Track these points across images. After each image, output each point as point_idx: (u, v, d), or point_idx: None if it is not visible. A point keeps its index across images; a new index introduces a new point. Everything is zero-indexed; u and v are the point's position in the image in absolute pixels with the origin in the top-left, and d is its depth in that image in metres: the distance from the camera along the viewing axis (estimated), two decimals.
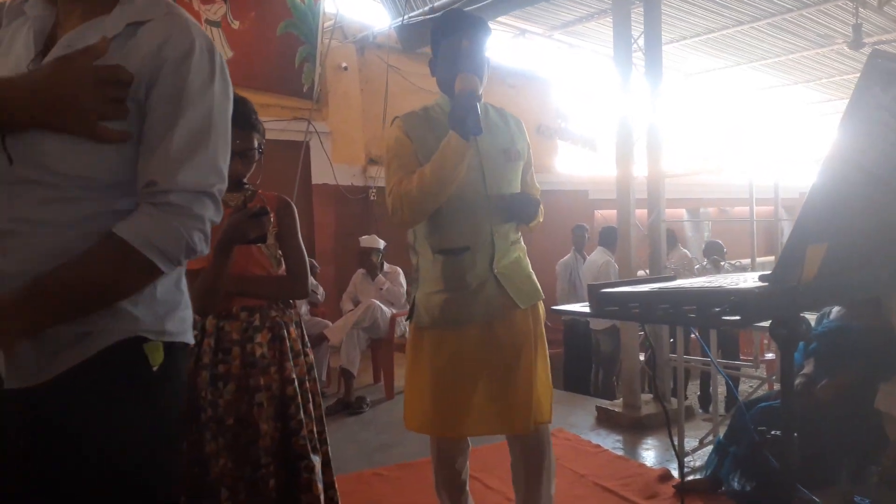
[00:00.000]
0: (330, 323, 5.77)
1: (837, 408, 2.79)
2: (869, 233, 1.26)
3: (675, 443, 3.64)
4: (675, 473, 3.55)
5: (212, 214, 1.14)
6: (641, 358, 4.89)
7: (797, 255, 1.08)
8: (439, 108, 2.18)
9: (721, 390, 5.27)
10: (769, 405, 2.96)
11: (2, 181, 1.05)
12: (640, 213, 4.82)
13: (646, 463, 3.89)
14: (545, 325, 2.31)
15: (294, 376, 2.12)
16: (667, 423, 2.89)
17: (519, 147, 2.24)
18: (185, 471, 1.96)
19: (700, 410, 5.80)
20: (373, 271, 5.98)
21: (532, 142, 2.35)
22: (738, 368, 4.80)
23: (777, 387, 4.00)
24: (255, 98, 2.20)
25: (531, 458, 2.30)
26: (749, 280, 1.22)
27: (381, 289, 5.86)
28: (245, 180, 2.19)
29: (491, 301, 2.14)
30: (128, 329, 1.11)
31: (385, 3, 7.62)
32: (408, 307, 5.92)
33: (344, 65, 8.02)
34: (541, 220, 2.27)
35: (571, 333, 7.32)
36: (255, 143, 2.16)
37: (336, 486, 2.23)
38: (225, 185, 1.17)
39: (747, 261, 4.94)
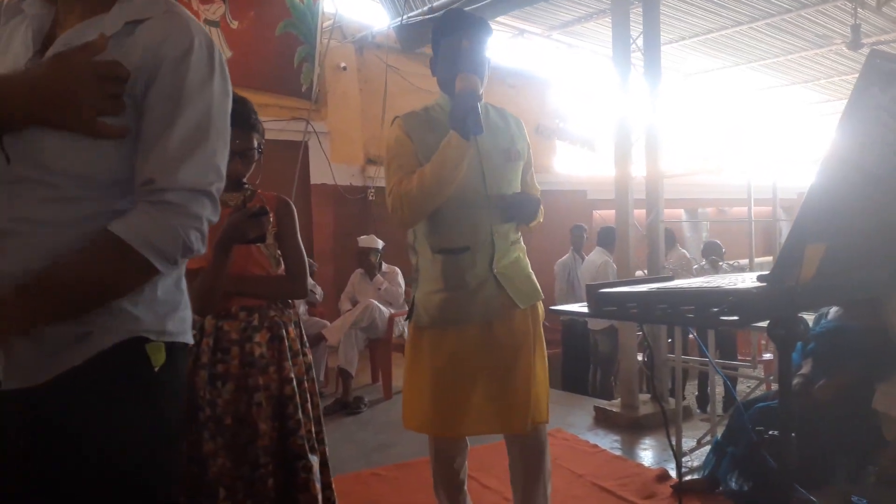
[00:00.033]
0: (328, 323, 5.77)
1: (835, 408, 2.79)
2: (867, 233, 1.27)
3: (673, 443, 3.64)
4: (673, 473, 3.55)
5: (209, 214, 1.13)
6: (639, 358, 4.89)
7: (795, 255, 1.08)
8: (440, 107, 2.18)
9: (719, 390, 5.27)
10: (767, 405, 2.96)
11: (1, 181, 1.05)
12: (639, 213, 4.82)
13: (643, 463, 3.89)
14: (543, 325, 2.31)
15: (293, 376, 2.12)
16: (665, 423, 2.89)
17: (519, 147, 2.24)
18: (183, 470, 1.96)
19: (698, 410, 5.82)
20: (371, 271, 5.98)
21: (531, 142, 2.35)
22: (735, 369, 4.81)
23: (775, 387, 4.00)
24: (253, 98, 2.20)
25: (529, 458, 2.30)
26: (747, 280, 1.22)
27: (380, 289, 5.85)
28: (244, 180, 2.19)
29: (490, 301, 2.14)
30: (129, 329, 1.11)
31: (384, 3, 7.62)
32: (406, 307, 5.93)
33: (343, 65, 8.02)
34: (541, 220, 2.27)
35: (569, 333, 7.32)
36: (255, 143, 2.16)
37: (333, 486, 2.23)
38: (223, 184, 1.16)
39: (745, 261, 4.95)
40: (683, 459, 3.83)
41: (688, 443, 4.03)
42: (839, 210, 1.13)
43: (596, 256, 6.95)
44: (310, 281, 3.78)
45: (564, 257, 7.50)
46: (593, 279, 6.47)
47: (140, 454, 1.11)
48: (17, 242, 1.04)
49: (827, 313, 3.12)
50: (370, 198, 8.08)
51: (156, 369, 1.13)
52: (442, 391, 2.14)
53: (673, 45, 8.72)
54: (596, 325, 6.78)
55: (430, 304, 2.15)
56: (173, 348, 1.17)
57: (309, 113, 7.22)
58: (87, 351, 1.07)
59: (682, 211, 12.75)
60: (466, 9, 4.66)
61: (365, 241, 6.04)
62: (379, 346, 5.74)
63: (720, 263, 7.06)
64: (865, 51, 7.13)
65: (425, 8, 6.95)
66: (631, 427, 4.50)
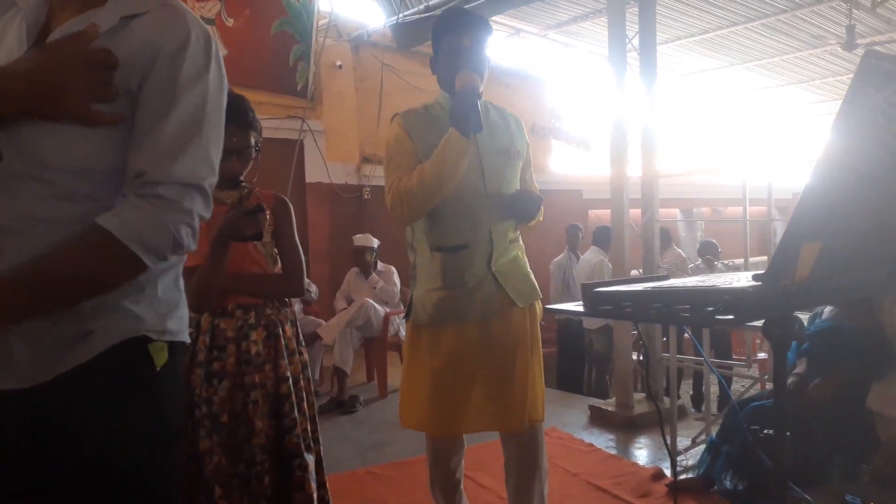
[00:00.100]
0: (323, 322, 5.76)
1: (830, 407, 2.80)
2: (863, 233, 1.27)
3: (668, 442, 3.66)
4: (668, 472, 3.56)
5: (201, 209, 1.11)
6: (634, 357, 4.90)
7: (791, 255, 1.08)
8: (439, 105, 2.19)
9: (713, 389, 5.28)
10: (761, 404, 2.97)
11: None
12: (634, 212, 4.83)
13: (638, 462, 3.90)
14: (539, 324, 2.31)
15: (289, 374, 2.12)
16: (659, 422, 2.90)
17: (518, 146, 2.24)
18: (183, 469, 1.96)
19: (693, 409, 5.82)
20: (366, 270, 5.97)
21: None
22: (730, 368, 4.82)
23: (769, 386, 4.01)
24: (248, 96, 2.20)
25: (525, 457, 2.30)
26: (742, 279, 1.22)
27: (375, 288, 5.85)
28: (242, 178, 2.18)
29: (489, 299, 2.14)
30: (131, 328, 1.10)
31: (380, 1, 7.61)
32: (401, 306, 5.93)
33: (338, 63, 8.01)
34: (541, 218, 2.27)
35: (565, 333, 7.33)
36: (252, 142, 2.15)
37: (328, 485, 2.23)
38: (216, 179, 1.14)
39: (740, 261, 4.95)
40: (678, 458, 3.84)
41: (682, 442, 4.04)
42: (834, 210, 1.13)
43: (591, 256, 6.96)
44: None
45: (560, 256, 7.51)
46: (589, 278, 6.48)
47: (140, 454, 1.10)
48: (15, 240, 1.03)
49: (821, 313, 3.12)
50: (366, 197, 8.07)
51: (158, 369, 1.12)
52: (440, 390, 2.14)
53: (669, 45, 8.73)
54: (591, 324, 6.79)
55: (429, 302, 2.15)
56: (173, 347, 1.16)
57: (304, 111, 7.21)
58: (88, 350, 1.06)
59: (677, 210, 12.76)
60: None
61: (360, 239, 6.03)
62: (374, 345, 5.74)
63: (715, 263, 7.08)
64: (860, 51, 7.16)
65: (421, 7, 6.94)
66: (626, 426, 4.51)
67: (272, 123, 6.62)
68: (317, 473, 2.16)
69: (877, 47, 7.79)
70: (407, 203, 2.02)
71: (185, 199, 1.07)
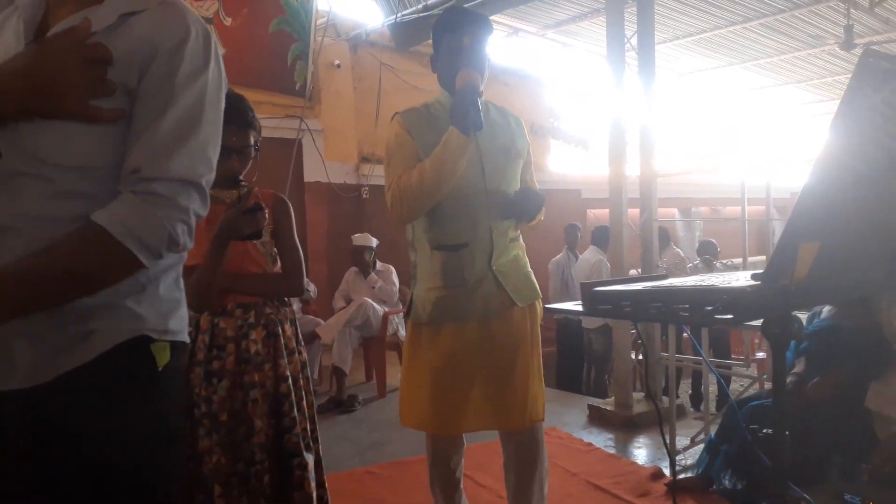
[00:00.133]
0: (322, 321, 5.76)
1: (829, 406, 2.81)
2: (861, 233, 1.27)
3: (667, 441, 3.66)
4: (667, 472, 3.56)
5: (197, 207, 1.09)
6: (633, 356, 4.90)
7: (789, 254, 1.08)
8: (440, 104, 2.19)
9: (712, 389, 5.29)
10: (760, 404, 2.97)
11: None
12: (633, 212, 4.83)
13: (637, 461, 3.90)
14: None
15: (288, 374, 2.12)
16: (659, 422, 2.90)
17: (519, 146, 2.24)
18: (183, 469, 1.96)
19: (691, 409, 5.83)
20: (365, 269, 5.97)
21: None
22: (729, 367, 4.82)
23: (768, 385, 4.02)
24: (247, 95, 2.20)
25: (524, 456, 2.30)
26: (741, 279, 1.22)
27: (374, 287, 5.85)
28: (241, 178, 2.18)
29: (489, 298, 2.14)
30: (133, 328, 1.09)
31: (378, 0, 7.61)
32: (400, 305, 5.93)
33: (337, 62, 8.01)
34: (542, 218, 2.27)
35: (564, 332, 7.33)
36: (252, 141, 2.15)
37: (326, 485, 2.23)
38: (213, 176, 1.13)
39: (739, 260, 4.96)
40: (677, 458, 3.85)
41: (681, 441, 4.04)
42: (833, 210, 1.13)
43: (590, 255, 6.96)
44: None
45: (558, 256, 7.51)
46: (587, 278, 6.48)
47: (140, 454, 1.10)
48: (16, 239, 1.02)
49: (820, 312, 3.13)
50: (364, 196, 8.07)
51: (160, 369, 1.12)
52: (440, 390, 2.14)
53: (667, 45, 8.74)
54: (590, 323, 6.79)
55: (429, 301, 2.16)
56: (174, 347, 1.16)
57: (303, 110, 7.21)
58: (91, 350, 1.06)
59: (675, 210, 12.77)
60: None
61: (359, 239, 6.03)
62: (373, 345, 5.74)
63: (714, 262, 7.08)
64: (858, 51, 7.16)
65: (419, 6, 6.94)
66: (625, 425, 4.51)
67: (270, 122, 6.62)
68: (316, 473, 2.16)
69: (875, 47, 7.78)
70: (407, 201, 2.03)
71: (181, 195, 1.06)
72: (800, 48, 9.16)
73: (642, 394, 4.81)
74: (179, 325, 1.18)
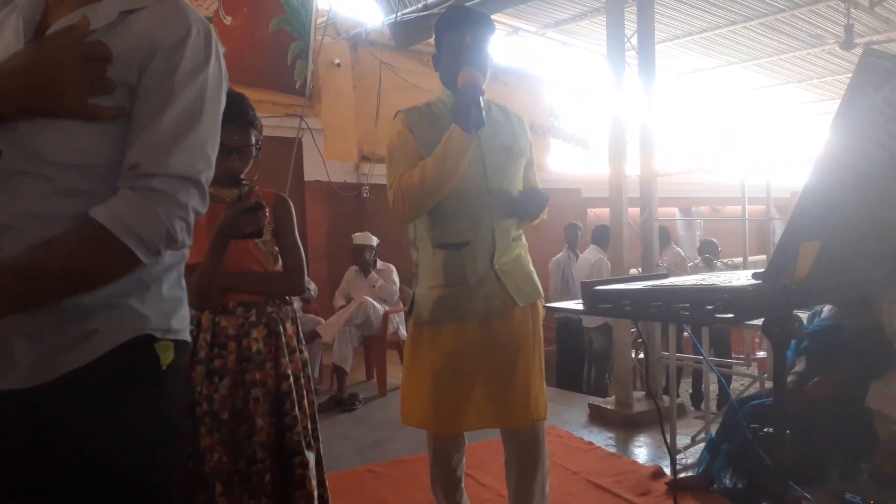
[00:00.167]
0: (322, 320, 5.76)
1: (829, 406, 2.81)
2: (861, 233, 1.27)
3: (668, 440, 3.66)
4: (668, 471, 3.56)
5: (196, 203, 1.08)
6: (633, 355, 4.90)
7: (790, 253, 1.09)
8: (442, 103, 2.19)
9: (713, 388, 5.28)
10: (761, 403, 2.97)
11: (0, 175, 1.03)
12: (633, 211, 4.83)
13: (638, 460, 3.90)
14: None
15: (289, 372, 2.12)
16: (659, 421, 2.90)
17: (521, 144, 2.25)
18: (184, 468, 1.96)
19: (692, 408, 5.83)
20: (366, 268, 5.97)
21: None
22: (729, 366, 4.82)
23: (768, 385, 4.02)
24: (247, 94, 2.20)
25: (525, 455, 2.30)
26: (742, 278, 1.23)
27: (374, 286, 5.85)
28: (242, 177, 2.18)
29: (491, 298, 2.14)
30: (137, 327, 1.09)
31: None
32: (401, 304, 5.92)
33: (337, 61, 8.01)
34: (545, 217, 2.27)
35: (564, 331, 7.34)
36: (253, 140, 2.15)
37: (327, 483, 2.23)
38: (212, 174, 1.12)
39: (739, 259, 4.96)
40: (678, 457, 3.85)
41: (682, 440, 4.04)
42: (833, 209, 1.14)
43: (590, 254, 6.96)
44: None
45: (559, 255, 7.51)
46: (588, 277, 6.48)
47: (141, 454, 1.09)
48: (16, 237, 1.01)
49: (820, 311, 3.13)
50: (364, 195, 8.07)
51: (164, 368, 1.11)
52: (442, 389, 2.14)
53: (667, 44, 8.74)
54: (591, 322, 6.79)
55: (430, 299, 2.16)
56: (177, 346, 1.15)
57: (303, 109, 7.21)
58: (94, 350, 1.05)
59: (675, 209, 12.77)
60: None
61: (360, 238, 6.03)
62: (373, 344, 5.74)
63: (715, 262, 7.08)
64: (858, 51, 7.17)
65: (419, 5, 6.94)
66: (625, 424, 4.51)
67: (270, 121, 6.61)
68: (316, 471, 2.16)
69: (875, 47, 7.79)
70: (408, 199, 2.03)
71: (179, 192, 1.05)
72: (800, 48, 9.16)
73: (643, 393, 4.81)
74: (182, 324, 1.18)
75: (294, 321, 2.23)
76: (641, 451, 4.09)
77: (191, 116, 1.07)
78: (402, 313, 5.83)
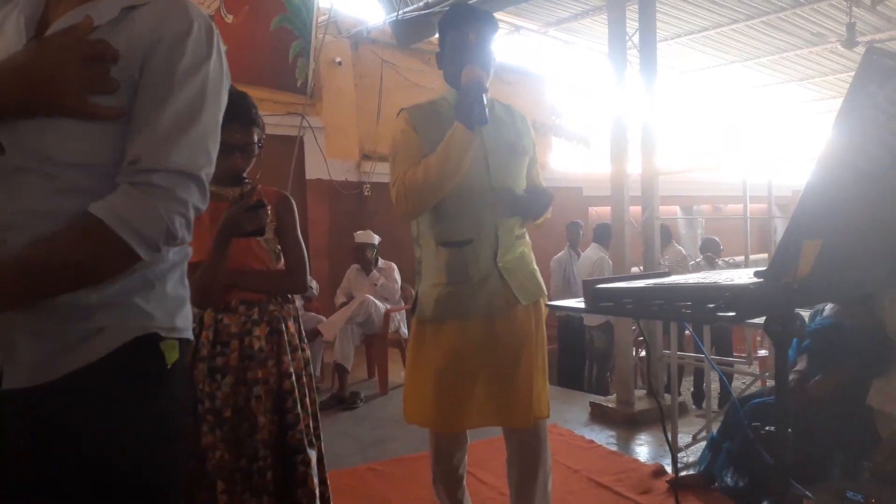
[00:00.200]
0: (324, 318, 5.77)
1: (831, 404, 2.81)
2: (863, 231, 1.27)
3: (669, 438, 3.65)
4: (669, 469, 3.56)
5: (196, 200, 1.07)
6: (635, 354, 4.90)
7: (792, 252, 1.09)
8: (445, 101, 2.19)
9: (714, 386, 5.29)
10: (762, 401, 2.97)
11: (1, 173, 1.03)
12: (635, 209, 4.83)
13: (639, 458, 3.90)
14: None
15: (291, 370, 2.12)
16: (660, 419, 2.90)
17: (525, 142, 2.24)
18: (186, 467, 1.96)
19: (693, 406, 5.82)
20: (367, 267, 5.97)
21: None
22: (731, 365, 4.82)
23: (770, 383, 4.02)
24: (248, 92, 2.20)
25: (527, 454, 2.30)
26: (744, 276, 1.22)
27: (376, 284, 5.85)
28: (244, 175, 2.18)
29: (493, 296, 2.14)
30: (142, 326, 1.09)
31: None
32: (402, 303, 5.93)
33: (338, 60, 8.01)
34: (549, 216, 2.27)
35: (566, 329, 7.34)
36: (255, 138, 2.15)
37: (328, 482, 2.24)
38: (212, 170, 1.11)
39: (741, 258, 4.96)
40: (679, 455, 3.85)
41: (683, 439, 4.04)
42: (835, 208, 1.14)
43: (592, 253, 6.96)
44: None
45: (560, 254, 7.51)
46: (589, 275, 6.48)
47: (142, 453, 1.09)
48: (18, 235, 1.01)
49: (822, 310, 3.13)
50: (366, 193, 8.07)
51: (169, 367, 1.11)
52: (444, 387, 2.14)
53: (669, 42, 8.73)
54: (592, 320, 6.80)
55: (433, 297, 2.15)
56: (181, 345, 1.15)
57: (304, 108, 7.22)
58: (98, 349, 1.05)
59: (677, 208, 12.77)
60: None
61: (361, 236, 6.03)
62: (375, 342, 5.74)
63: (716, 260, 7.08)
64: (860, 49, 7.16)
65: (420, 3, 6.93)
66: (627, 423, 4.52)
67: (272, 120, 6.59)
68: (318, 470, 2.16)
69: (877, 45, 7.78)
70: (411, 196, 2.03)
71: (179, 187, 1.04)
72: (802, 46, 9.15)
73: (644, 391, 4.81)
74: (185, 322, 1.18)
75: (296, 319, 2.23)
76: (643, 450, 4.10)
77: (191, 112, 1.07)
78: (403, 311, 5.83)
